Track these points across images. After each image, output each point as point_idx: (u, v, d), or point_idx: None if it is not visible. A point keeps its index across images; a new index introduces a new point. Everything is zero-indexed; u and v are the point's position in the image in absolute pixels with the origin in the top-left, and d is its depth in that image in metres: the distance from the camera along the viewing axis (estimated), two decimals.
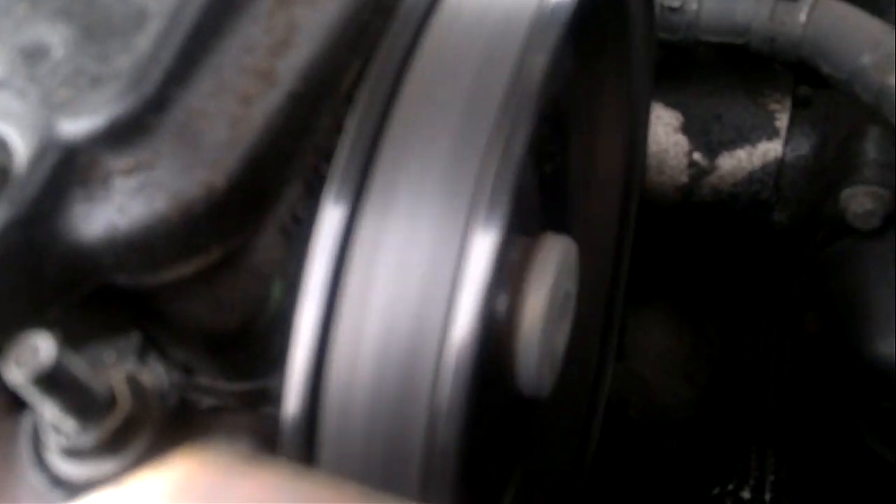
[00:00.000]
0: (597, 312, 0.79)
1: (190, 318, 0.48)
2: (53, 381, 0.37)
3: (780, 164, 0.86)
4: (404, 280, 0.44)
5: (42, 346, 0.36)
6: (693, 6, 0.84)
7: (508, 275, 0.54)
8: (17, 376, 0.36)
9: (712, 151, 0.88)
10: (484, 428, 0.59)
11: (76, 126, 0.42)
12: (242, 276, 0.48)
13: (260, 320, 0.51)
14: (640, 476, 0.98)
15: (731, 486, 0.96)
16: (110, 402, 0.41)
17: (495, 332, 0.53)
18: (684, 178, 0.88)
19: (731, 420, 0.99)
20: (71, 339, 0.39)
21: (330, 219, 0.45)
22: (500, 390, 0.57)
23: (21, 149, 0.41)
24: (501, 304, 0.53)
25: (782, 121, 0.87)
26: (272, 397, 0.51)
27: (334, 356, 0.44)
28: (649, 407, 1.03)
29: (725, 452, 0.98)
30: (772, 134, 0.87)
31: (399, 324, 0.44)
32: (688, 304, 1.02)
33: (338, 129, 0.54)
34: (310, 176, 0.53)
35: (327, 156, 0.53)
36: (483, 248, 0.44)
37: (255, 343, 0.52)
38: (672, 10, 0.83)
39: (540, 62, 0.48)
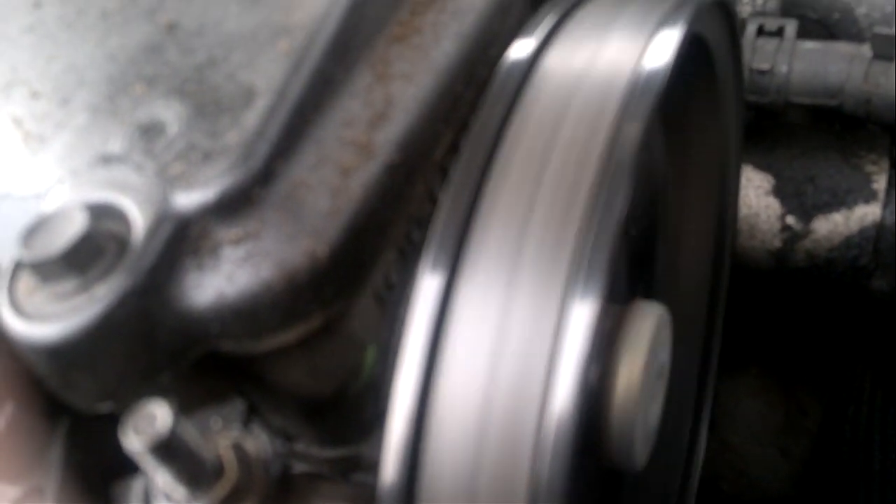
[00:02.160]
0: (690, 382, 0.77)
1: (288, 384, 0.49)
2: (169, 450, 0.38)
3: (879, 228, 0.83)
4: (502, 350, 0.44)
5: (159, 415, 0.37)
6: (783, 68, 0.83)
7: (602, 344, 0.53)
8: (135, 444, 0.37)
9: (806, 215, 0.86)
10: (579, 501, 0.58)
11: (189, 199, 0.44)
12: (339, 343, 0.49)
13: (353, 386, 0.52)
14: None
15: None
16: (218, 469, 0.42)
17: (589, 403, 0.52)
18: (777, 243, 0.86)
19: (832, 498, 0.94)
20: (180, 406, 0.40)
21: (427, 287, 0.46)
22: (592, 462, 0.56)
23: (138, 220, 0.43)
24: (594, 374, 0.53)
25: (880, 183, 0.85)
26: (365, 464, 0.51)
27: (432, 426, 0.44)
28: (742, 481, 0.98)
29: None
30: (869, 197, 0.84)
31: (498, 394, 0.43)
32: (782, 372, 0.98)
33: (430, 197, 0.55)
34: (403, 243, 0.54)
35: (419, 223, 0.54)
36: (581, 318, 0.43)
37: (349, 409, 0.52)
38: (761, 72, 0.82)
39: (634, 131, 0.48)
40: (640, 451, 0.56)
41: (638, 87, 0.50)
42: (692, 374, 0.77)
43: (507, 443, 0.43)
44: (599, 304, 0.44)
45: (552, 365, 0.43)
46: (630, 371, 0.53)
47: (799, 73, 0.83)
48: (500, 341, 0.44)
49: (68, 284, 0.41)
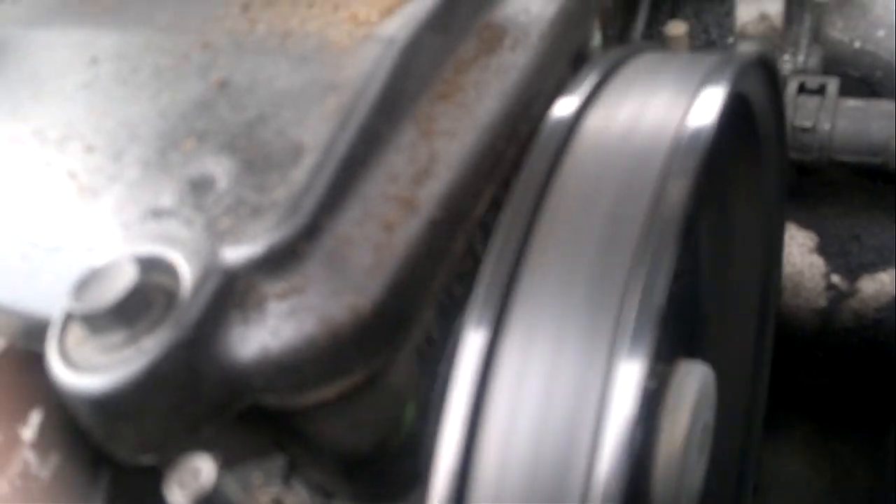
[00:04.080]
0: (734, 443, 0.75)
1: (328, 439, 0.48)
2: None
3: None
4: (548, 410, 0.43)
5: (203, 469, 0.37)
6: (826, 126, 0.82)
7: (647, 405, 0.52)
8: (179, 498, 0.37)
9: (852, 273, 0.84)
10: None
11: (237, 253, 0.44)
12: (379, 398, 0.49)
13: (393, 442, 0.51)
14: None
15: None
16: None
17: (635, 465, 0.50)
18: (822, 302, 0.84)
19: None
20: (223, 460, 0.40)
21: (472, 343, 0.46)
22: None
23: (186, 274, 0.44)
24: (639, 433, 0.52)
25: None
26: None
27: (476, 487, 0.43)
28: None
29: None
30: None
31: (543, 455, 0.43)
32: (827, 435, 0.95)
33: (471, 253, 0.55)
34: (444, 299, 0.54)
35: (460, 279, 0.54)
36: (628, 379, 0.43)
37: (388, 465, 0.52)
38: (804, 130, 0.82)
39: (681, 188, 0.47)
40: None
41: (683, 144, 0.49)
42: (736, 436, 0.75)
43: (554, 501, 0.42)
44: (648, 363, 0.43)
45: (598, 426, 0.43)
46: (674, 432, 0.52)
47: (842, 131, 0.82)
48: (545, 400, 0.44)
49: (117, 337, 0.42)
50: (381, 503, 0.51)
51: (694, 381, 0.54)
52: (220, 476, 0.38)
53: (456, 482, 0.43)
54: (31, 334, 0.48)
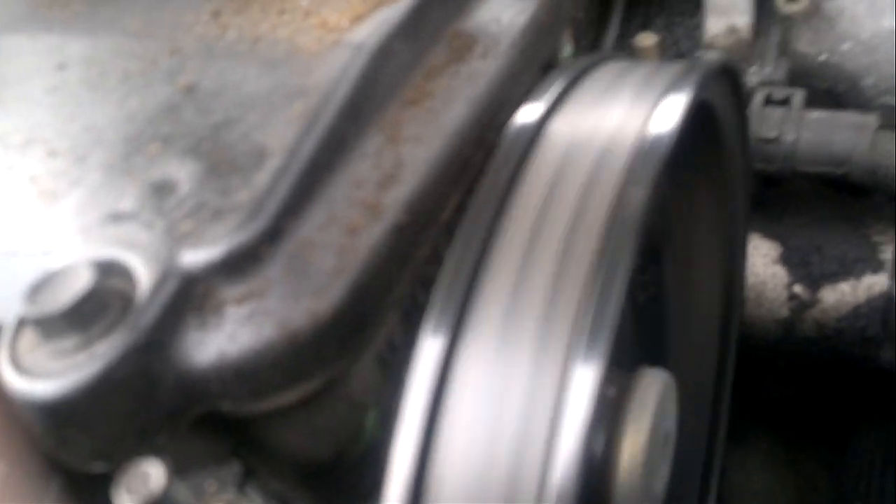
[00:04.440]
0: (697, 452, 0.75)
1: (287, 447, 0.48)
2: None
3: (887, 298, 0.83)
4: (502, 416, 0.44)
5: (152, 474, 0.37)
6: (790, 137, 0.83)
7: (605, 411, 0.52)
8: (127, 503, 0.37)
9: (814, 284, 0.85)
10: None
11: (196, 256, 0.44)
12: (339, 404, 0.49)
13: (353, 450, 0.51)
14: None
15: None
16: None
17: (594, 470, 0.51)
18: (785, 312, 0.85)
19: None
20: (175, 466, 0.40)
21: (428, 350, 0.46)
22: None
23: (143, 277, 0.43)
24: (598, 442, 0.52)
25: (887, 253, 0.84)
26: None
27: (430, 494, 0.43)
28: None
29: None
30: (877, 266, 0.84)
31: (497, 462, 0.43)
32: (791, 445, 0.96)
33: (435, 258, 0.55)
34: (408, 304, 0.54)
35: (425, 284, 0.54)
36: (583, 385, 0.43)
37: (348, 474, 0.51)
38: (768, 140, 0.83)
39: (639, 195, 0.48)
40: None
41: (643, 151, 0.50)
42: (700, 444, 0.76)
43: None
44: (603, 368, 0.43)
45: (554, 431, 0.43)
46: (635, 439, 0.52)
47: (806, 142, 0.84)
48: (501, 407, 0.44)
49: (70, 341, 0.41)
50: None
51: (655, 388, 0.55)
52: (171, 482, 0.37)
53: (410, 492, 0.43)
54: None
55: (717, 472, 0.78)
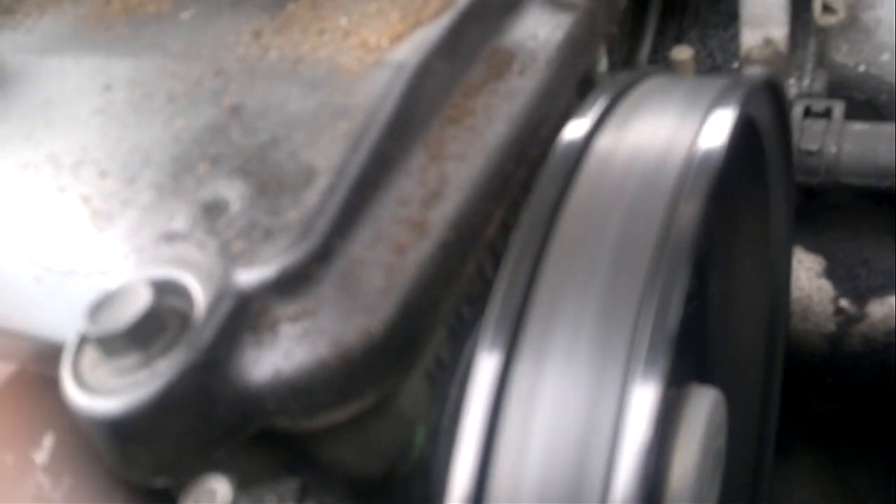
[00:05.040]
0: (744, 468, 0.74)
1: (340, 463, 0.48)
2: None
3: None
4: (561, 435, 0.43)
5: (219, 490, 0.37)
6: (832, 149, 0.82)
7: (660, 430, 0.52)
8: None
9: (860, 298, 0.84)
10: None
11: (250, 276, 0.45)
12: (390, 421, 0.49)
13: (403, 466, 0.51)
14: None
15: None
16: None
17: (647, 489, 0.50)
18: (831, 326, 0.84)
19: None
20: (237, 481, 0.40)
21: (485, 367, 0.45)
22: None
23: (200, 297, 0.44)
24: (652, 459, 0.51)
25: None
26: None
27: None
28: None
29: None
30: None
31: (557, 480, 0.42)
32: (839, 461, 0.94)
33: (480, 275, 0.55)
34: (454, 321, 0.54)
35: (470, 301, 0.54)
36: (643, 404, 0.42)
37: (398, 489, 0.51)
38: (810, 153, 0.82)
39: (691, 211, 0.48)
40: None
41: (694, 166, 0.50)
42: (747, 462, 0.75)
43: None
44: (662, 387, 0.43)
45: (612, 452, 0.42)
46: (686, 456, 0.51)
47: (848, 155, 0.83)
48: (558, 425, 0.44)
49: (131, 359, 0.42)
50: None
51: (705, 406, 0.54)
52: (236, 497, 0.38)
53: None
54: (44, 358, 0.48)
55: (767, 488, 0.77)
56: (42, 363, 0.48)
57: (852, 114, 0.87)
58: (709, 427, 0.53)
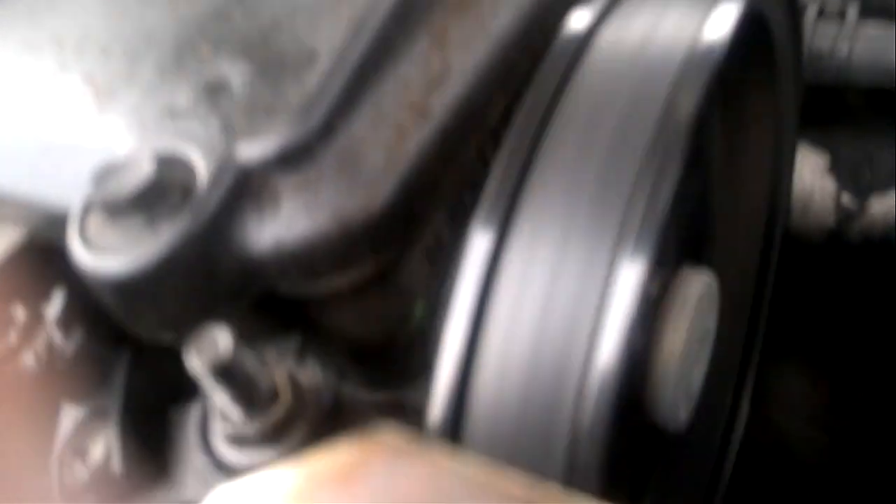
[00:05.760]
0: (734, 352, 0.76)
1: (340, 329, 0.51)
2: (228, 372, 0.40)
3: None
4: (550, 306, 0.45)
5: (221, 340, 0.39)
6: (843, 51, 0.81)
7: (647, 308, 0.53)
8: (198, 365, 0.39)
9: (862, 195, 0.85)
10: (619, 453, 0.59)
11: (251, 150, 0.46)
12: (389, 292, 0.51)
13: (401, 336, 0.53)
14: None
15: None
16: (273, 395, 0.44)
17: (634, 363, 0.52)
18: (831, 222, 0.85)
19: (869, 471, 0.93)
20: (239, 337, 0.42)
21: (479, 243, 0.47)
22: (635, 419, 0.56)
23: (202, 170, 0.45)
24: (641, 335, 0.53)
25: None
26: (409, 410, 0.53)
27: (480, 373, 0.45)
28: (783, 456, 0.98)
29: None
30: None
31: (544, 348, 0.44)
32: (830, 352, 0.97)
33: (482, 161, 0.56)
34: (454, 205, 0.55)
35: (472, 187, 0.55)
36: (629, 280, 0.44)
37: (396, 357, 0.54)
38: (821, 54, 0.81)
39: (690, 99, 0.48)
40: (681, 411, 0.56)
41: (696, 57, 0.50)
42: (737, 345, 0.77)
43: (551, 394, 0.44)
44: (648, 266, 0.44)
45: (598, 323, 0.44)
46: (674, 335, 0.53)
47: (859, 56, 0.82)
48: (549, 298, 0.45)
49: (136, 224, 0.43)
50: (387, 390, 0.54)
51: (696, 287, 0.55)
52: (237, 347, 0.40)
53: (460, 369, 0.45)
54: (52, 225, 0.50)
55: (754, 371, 0.80)
56: (49, 230, 0.50)
57: (867, 16, 0.86)
58: (699, 306, 0.55)
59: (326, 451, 0.29)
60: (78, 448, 0.46)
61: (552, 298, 0.45)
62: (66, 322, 0.47)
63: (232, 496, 0.28)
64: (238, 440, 0.43)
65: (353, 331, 0.50)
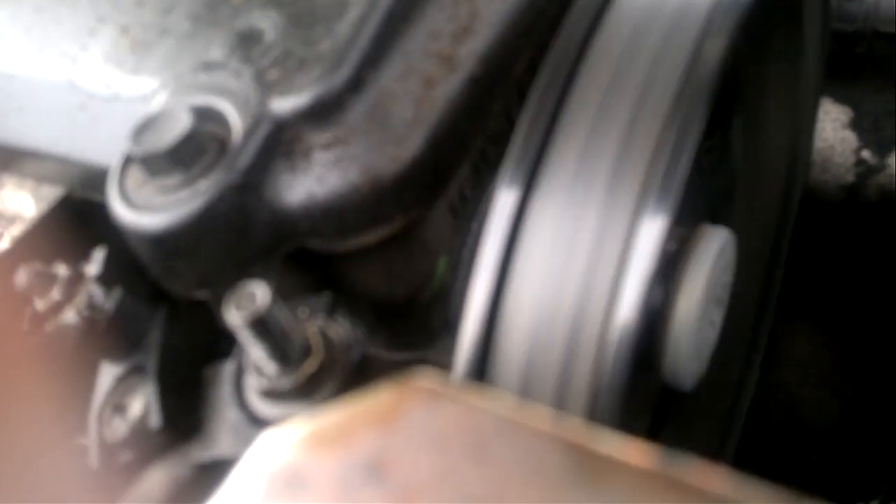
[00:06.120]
0: (749, 310, 0.77)
1: (366, 285, 0.52)
2: (264, 326, 0.42)
3: None
4: (571, 263, 0.46)
5: (259, 294, 0.41)
6: None
7: (666, 264, 0.54)
8: (236, 318, 0.41)
9: (883, 149, 0.84)
10: (634, 408, 0.60)
11: (284, 104, 0.46)
12: (414, 249, 0.52)
13: (425, 293, 0.55)
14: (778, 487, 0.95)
15: (875, 503, 0.91)
16: (307, 350, 0.45)
17: (651, 320, 0.53)
18: (850, 177, 0.85)
19: (879, 434, 0.94)
20: (274, 293, 0.44)
21: (504, 199, 0.48)
22: (649, 376, 0.58)
23: (237, 123, 0.46)
24: (658, 292, 0.54)
25: None
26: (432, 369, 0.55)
27: (502, 328, 0.46)
28: (792, 419, 0.99)
29: (871, 467, 0.94)
30: None
31: (563, 305, 0.46)
32: (838, 313, 0.98)
33: (506, 116, 0.56)
34: (478, 160, 0.56)
35: (495, 141, 0.56)
36: (650, 236, 0.45)
37: (419, 315, 0.55)
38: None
39: (716, 48, 0.48)
40: (694, 370, 0.57)
41: (722, 5, 0.49)
42: (751, 305, 0.78)
43: (570, 348, 0.45)
44: (669, 222, 0.45)
45: (618, 279, 0.45)
46: (691, 291, 0.54)
47: (888, 3, 0.80)
48: (570, 255, 0.46)
49: (173, 179, 0.44)
50: (410, 350, 0.55)
51: (714, 244, 0.56)
52: (273, 302, 0.41)
53: (484, 325, 0.46)
54: (89, 182, 0.51)
55: (767, 332, 0.81)
56: (87, 187, 0.51)
57: None
58: (716, 263, 0.56)
59: (366, 395, 0.30)
60: (117, 404, 0.48)
61: (574, 254, 0.46)
62: (106, 280, 0.48)
63: (280, 437, 0.29)
64: (272, 394, 0.45)
65: (379, 289, 0.51)
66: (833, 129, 0.85)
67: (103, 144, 0.49)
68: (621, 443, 0.28)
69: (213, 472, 0.47)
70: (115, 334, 0.49)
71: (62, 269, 0.49)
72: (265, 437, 0.30)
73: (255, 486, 0.28)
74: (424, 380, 0.31)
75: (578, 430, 0.29)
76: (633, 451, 0.28)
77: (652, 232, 0.45)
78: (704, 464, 0.28)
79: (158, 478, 0.44)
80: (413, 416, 0.29)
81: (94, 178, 0.49)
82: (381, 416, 0.29)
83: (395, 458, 0.28)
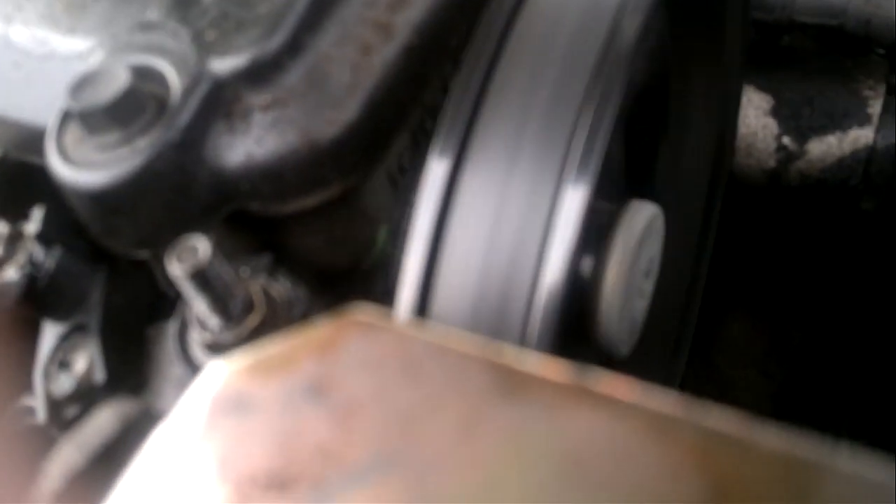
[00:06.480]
0: (679, 287, 0.80)
1: (306, 251, 0.52)
2: (207, 279, 0.42)
3: (871, 151, 0.86)
4: (500, 232, 0.48)
5: (200, 247, 0.41)
6: None
7: (596, 237, 0.56)
8: (177, 270, 0.41)
9: (802, 136, 0.89)
10: None
11: (223, 64, 0.47)
12: (353, 216, 0.53)
13: (365, 261, 0.55)
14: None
15: None
16: (248, 306, 0.46)
17: (580, 290, 0.55)
18: (772, 162, 0.89)
19: (810, 416, 0.99)
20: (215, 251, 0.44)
21: (436, 170, 0.49)
22: (583, 346, 0.60)
23: (175, 82, 0.46)
24: (587, 263, 0.56)
25: (875, 108, 0.87)
26: None
27: (435, 296, 0.48)
28: (724, 399, 1.03)
29: None
30: (863, 121, 0.87)
31: (494, 273, 0.47)
32: (769, 296, 1.02)
33: (443, 87, 0.58)
34: (416, 130, 0.57)
35: (432, 112, 0.57)
36: (573, 204, 0.47)
37: (360, 283, 0.56)
38: None
39: (633, 23, 0.50)
40: (625, 340, 0.59)
41: None
42: (683, 279, 0.81)
43: (500, 313, 0.47)
44: (592, 190, 0.47)
45: (545, 247, 0.47)
46: (619, 261, 0.56)
47: None
48: (500, 223, 0.48)
49: (112, 136, 0.44)
50: None
51: (642, 217, 0.59)
52: (215, 255, 0.42)
53: (419, 293, 0.47)
54: (25, 143, 0.50)
55: (697, 310, 0.84)
56: (24, 149, 0.51)
57: None
58: (643, 236, 0.58)
59: (306, 329, 0.31)
60: (62, 361, 0.48)
61: (504, 223, 0.48)
62: (46, 238, 0.48)
63: (225, 367, 0.30)
64: (215, 348, 0.46)
65: (319, 255, 0.52)
66: (755, 116, 0.89)
67: (39, 103, 0.48)
68: (541, 362, 0.30)
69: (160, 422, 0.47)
70: (56, 293, 0.49)
71: (1, 227, 0.49)
72: (210, 367, 0.30)
73: (202, 410, 0.29)
74: (361, 313, 0.32)
75: (502, 351, 0.31)
76: (551, 368, 0.30)
77: (575, 199, 0.47)
78: (615, 376, 0.30)
79: (107, 414, 0.44)
80: (351, 344, 0.30)
81: (30, 139, 0.48)
82: (321, 345, 0.30)
83: (334, 380, 0.29)
